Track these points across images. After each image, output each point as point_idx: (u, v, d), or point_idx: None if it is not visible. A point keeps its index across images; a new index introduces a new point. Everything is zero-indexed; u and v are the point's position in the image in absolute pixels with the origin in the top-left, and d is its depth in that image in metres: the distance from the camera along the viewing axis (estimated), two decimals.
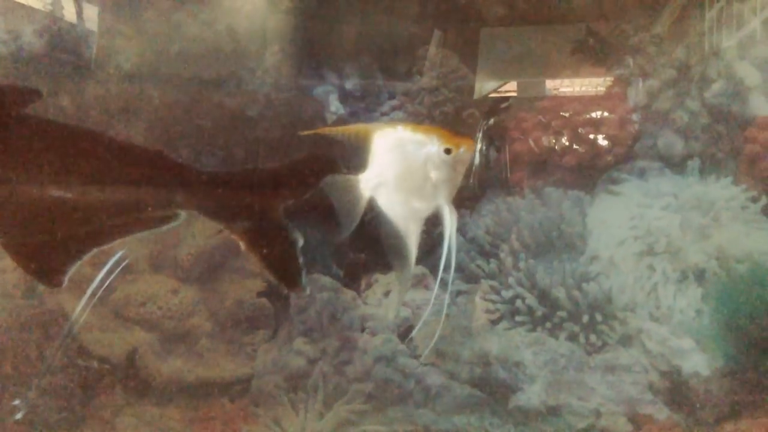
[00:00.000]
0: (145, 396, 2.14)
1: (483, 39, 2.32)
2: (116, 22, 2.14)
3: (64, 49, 2.12)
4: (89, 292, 1.32)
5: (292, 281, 1.41)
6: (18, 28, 2.14)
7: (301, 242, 1.42)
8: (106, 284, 1.30)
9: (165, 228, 1.32)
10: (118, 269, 1.28)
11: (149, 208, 1.30)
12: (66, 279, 1.25)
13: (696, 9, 2.11)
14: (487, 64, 2.31)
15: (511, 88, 2.33)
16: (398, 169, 1.14)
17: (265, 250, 1.37)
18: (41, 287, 1.93)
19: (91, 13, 2.13)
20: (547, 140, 2.03)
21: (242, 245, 1.34)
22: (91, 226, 1.28)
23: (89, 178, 1.25)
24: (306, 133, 1.27)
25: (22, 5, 2.16)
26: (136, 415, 2.13)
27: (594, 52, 2.12)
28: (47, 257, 1.28)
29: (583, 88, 2.26)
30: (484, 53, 2.32)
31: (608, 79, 2.17)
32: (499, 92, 2.33)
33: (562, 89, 2.27)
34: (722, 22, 2.08)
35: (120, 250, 1.33)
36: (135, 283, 2.16)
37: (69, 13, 2.13)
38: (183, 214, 1.31)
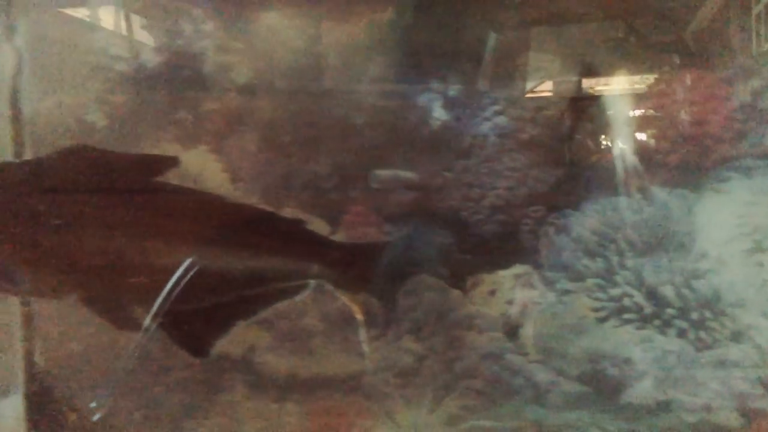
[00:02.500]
0: (264, 391, 2.33)
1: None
2: (229, 39, 2.35)
3: (182, 65, 2.34)
4: (160, 298, 1.41)
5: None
6: (138, 47, 2.38)
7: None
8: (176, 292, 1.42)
9: (298, 298, 1.50)
10: (187, 277, 1.41)
11: (288, 279, 1.47)
12: (212, 350, 1.41)
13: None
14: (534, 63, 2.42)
15: (546, 87, 2.41)
16: None
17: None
18: None
19: (207, 30, 2.35)
20: (651, 139, 2.14)
21: (358, 316, 1.51)
22: (233, 297, 1.45)
23: (231, 248, 1.43)
24: None
25: (143, 24, 2.40)
26: (255, 408, 2.33)
27: (635, 50, 2.20)
28: (195, 328, 1.45)
29: (620, 86, 2.33)
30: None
31: (648, 77, 2.24)
32: (534, 92, 2.43)
33: (598, 88, 2.35)
34: None
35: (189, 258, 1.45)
36: None
37: (186, 31, 2.35)
38: (312, 283, 1.48)
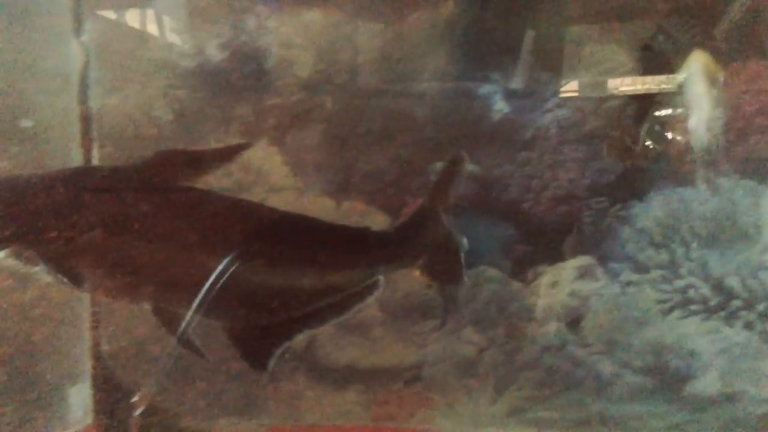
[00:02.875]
0: (325, 381, 2.40)
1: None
2: (292, 35, 2.42)
3: (245, 61, 2.42)
4: (203, 291, 1.44)
5: (455, 279, 1.61)
6: (203, 43, 2.46)
7: (465, 245, 1.64)
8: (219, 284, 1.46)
9: (370, 299, 1.54)
10: (231, 269, 1.45)
11: (358, 284, 1.52)
12: (272, 363, 1.46)
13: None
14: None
15: (572, 87, 2.42)
16: None
17: (438, 274, 1.59)
18: None
19: (270, 26, 2.43)
20: (717, 131, 2.16)
21: (419, 275, 1.55)
22: (302, 310, 1.50)
23: (301, 261, 1.47)
24: None
25: (209, 21, 2.48)
26: (316, 397, 2.39)
27: (665, 50, 2.21)
28: (259, 341, 1.50)
29: (645, 86, 2.33)
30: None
31: (674, 77, 2.24)
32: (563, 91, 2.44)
33: (622, 88, 2.35)
34: None
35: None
36: None
37: (250, 27, 2.43)
38: (382, 279, 1.52)
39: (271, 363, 1.48)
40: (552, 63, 2.31)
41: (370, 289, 1.53)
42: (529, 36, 2.31)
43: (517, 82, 2.30)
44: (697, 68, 1.17)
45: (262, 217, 1.51)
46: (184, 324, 1.44)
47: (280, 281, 1.44)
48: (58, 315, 2.27)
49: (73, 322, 2.34)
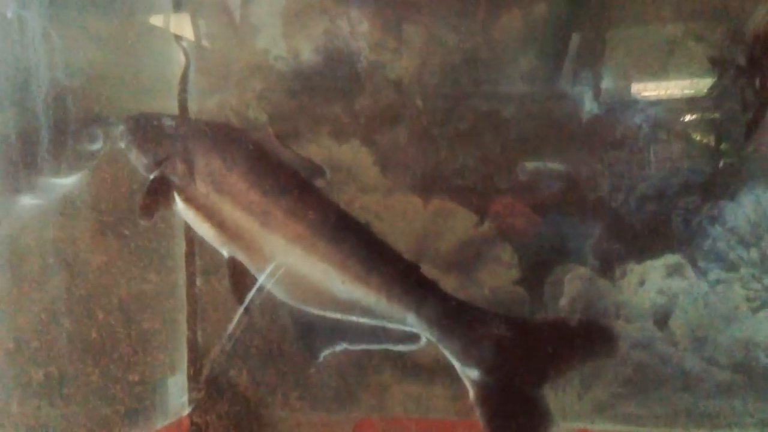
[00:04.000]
0: (412, 375, 2.57)
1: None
2: (383, 38, 2.64)
3: (338, 64, 2.65)
4: (260, 282, 1.61)
5: None
6: (298, 48, 2.70)
7: None
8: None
9: (404, 348, 1.67)
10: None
11: (389, 320, 1.65)
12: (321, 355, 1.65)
13: None
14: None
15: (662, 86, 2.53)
16: None
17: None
18: None
19: (363, 30, 2.65)
20: None
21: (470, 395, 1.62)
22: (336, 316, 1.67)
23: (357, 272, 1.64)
24: None
25: (303, 26, 2.72)
26: (403, 392, 2.57)
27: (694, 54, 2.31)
28: (316, 334, 1.69)
29: (669, 92, 2.44)
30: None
31: (697, 81, 2.34)
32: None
33: (645, 93, 2.46)
34: None
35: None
36: None
37: (343, 32, 2.66)
38: (424, 338, 1.64)
39: (320, 354, 1.66)
40: (642, 62, 2.46)
41: (411, 339, 1.62)
42: (620, 35, 2.46)
43: (607, 82, 2.45)
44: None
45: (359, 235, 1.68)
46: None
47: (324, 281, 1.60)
48: (160, 308, 2.52)
49: (172, 316, 2.58)
